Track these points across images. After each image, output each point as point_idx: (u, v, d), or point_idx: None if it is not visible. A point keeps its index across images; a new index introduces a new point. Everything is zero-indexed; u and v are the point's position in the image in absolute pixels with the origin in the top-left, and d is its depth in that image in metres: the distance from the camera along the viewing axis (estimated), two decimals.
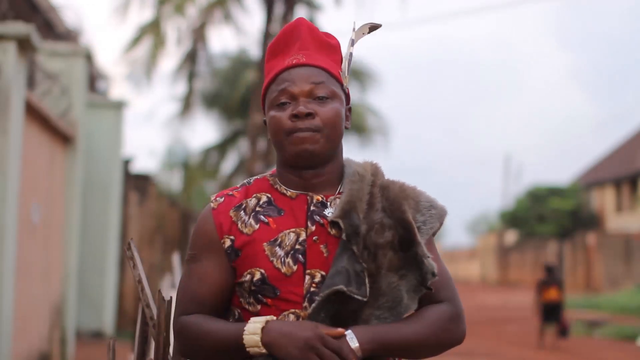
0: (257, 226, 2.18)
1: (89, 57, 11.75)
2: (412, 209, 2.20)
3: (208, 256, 2.19)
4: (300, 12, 20.72)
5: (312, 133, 2.15)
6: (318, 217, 2.17)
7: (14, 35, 7.66)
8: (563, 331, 15.08)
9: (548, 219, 38.61)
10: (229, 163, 27.11)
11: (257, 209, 2.20)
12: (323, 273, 2.13)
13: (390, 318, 2.13)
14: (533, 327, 17.89)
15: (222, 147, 26.82)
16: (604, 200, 38.43)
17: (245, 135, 24.49)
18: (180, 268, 4.61)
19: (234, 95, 24.73)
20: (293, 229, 2.16)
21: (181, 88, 21.08)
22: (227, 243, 2.18)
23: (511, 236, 44.08)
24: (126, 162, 15.23)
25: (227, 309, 2.22)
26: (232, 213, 2.21)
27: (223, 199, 2.24)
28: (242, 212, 2.20)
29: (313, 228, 2.16)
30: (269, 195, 2.22)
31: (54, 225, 10.59)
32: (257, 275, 2.14)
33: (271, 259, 2.14)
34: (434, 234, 2.25)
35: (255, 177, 2.29)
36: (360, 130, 25.38)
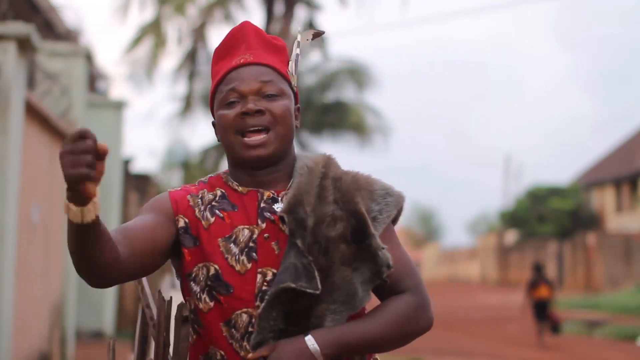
0: (212, 219, 2.16)
1: (89, 57, 11.76)
2: (366, 199, 2.16)
3: (152, 214, 2.16)
4: (300, 12, 20.73)
5: (264, 136, 2.13)
6: (269, 214, 2.14)
7: (14, 35, 7.67)
8: (554, 327, 15.64)
9: (548, 219, 38.62)
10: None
11: (213, 202, 2.18)
12: (275, 271, 2.10)
13: (345, 312, 2.09)
14: (533, 327, 17.93)
15: (222, 147, 26.82)
16: (604, 200, 38.45)
17: None
18: None
19: None
20: (247, 226, 2.14)
21: (181, 88, 21.08)
22: (181, 223, 2.16)
23: (511, 236, 44.09)
24: (126, 162, 15.24)
25: (141, 263, 2.12)
26: (189, 197, 2.19)
27: (180, 188, 2.24)
28: (199, 201, 2.18)
29: (264, 225, 2.13)
30: (223, 190, 2.20)
31: (54, 225, 10.59)
32: (212, 271, 2.12)
33: (226, 255, 2.12)
34: (393, 222, 2.22)
35: (211, 175, 2.28)
36: (360, 130, 25.38)
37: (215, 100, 2.20)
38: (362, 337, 2.09)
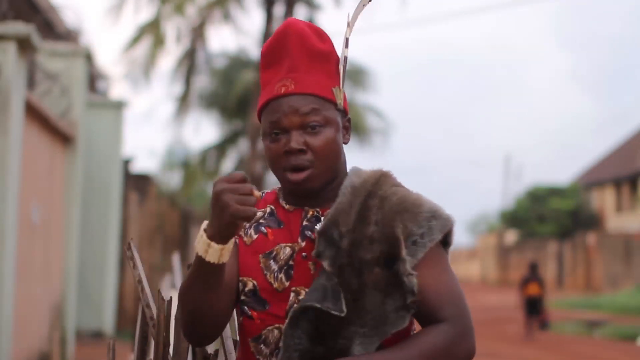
0: (255, 236, 2.16)
1: (89, 57, 11.75)
2: (407, 222, 2.10)
3: None
4: (300, 12, 20.71)
5: (306, 172, 2.11)
6: (309, 233, 2.13)
7: (14, 35, 7.67)
8: (543, 324, 16.73)
9: (548, 219, 38.62)
10: (229, 163, 27.11)
11: (261, 220, 2.18)
12: (307, 290, 2.10)
13: (375, 337, 2.05)
14: (542, 334, 17.98)
15: (222, 147, 26.81)
16: (604, 200, 38.45)
17: (245, 135, 24.50)
18: (181, 268, 4.61)
19: (232, 95, 24.73)
20: (289, 244, 2.14)
21: (180, 87, 21.07)
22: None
23: (511, 236, 44.08)
24: (126, 162, 15.24)
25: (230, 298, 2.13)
26: None
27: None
28: (246, 223, 2.18)
29: (303, 244, 2.13)
30: (273, 208, 2.20)
31: (54, 225, 10.59)
32: (249, 286, 2.13)
33: (265, 272, 2.12)
34: (445, 245, 2.14)
35: (267, 190, 2.27)
36: (360, 130, 25.37)
37: (262, 121, 2.17)
38: None
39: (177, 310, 2.13)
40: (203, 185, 30.55)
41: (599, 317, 20.39)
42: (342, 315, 2.03)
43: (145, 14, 28.68)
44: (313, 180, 2.11)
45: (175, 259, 4.75)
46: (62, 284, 11.05)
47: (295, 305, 2.08)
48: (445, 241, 2.15)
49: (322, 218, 2.13)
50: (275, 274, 2.11)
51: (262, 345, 2.10)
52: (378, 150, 25.62)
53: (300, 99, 2.12)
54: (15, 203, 7.92)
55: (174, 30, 18.79)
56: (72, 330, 11.21)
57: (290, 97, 2.12)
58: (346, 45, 2.22)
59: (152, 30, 18.28)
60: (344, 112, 2.20)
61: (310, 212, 2.15)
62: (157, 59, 18.46)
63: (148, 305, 2.32)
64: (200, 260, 1.95)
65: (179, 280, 4.61)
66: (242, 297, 2.12)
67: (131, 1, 18.13)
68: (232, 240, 1.94)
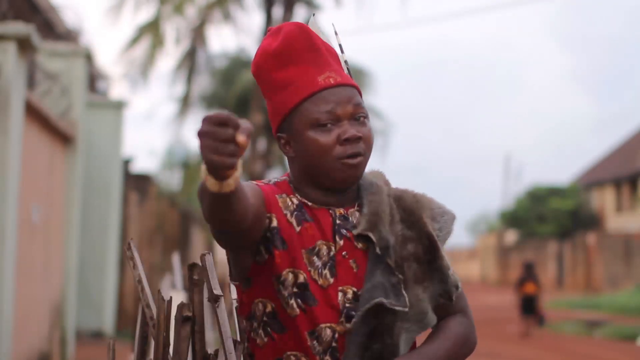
0: (298, 228, 2.12)
1: (89, 57, 11.76)
2: (429, 219, 2.18)
3: (251, 195, 2.02)
4: (300, 12, 20.72)
5: (358, 159, 2.11)
6: (344, 231, 2.13)
7: (14, 35, 7.67)
8: (540, 321, 17.50)
9: (548, 219, 38.63)
10: None
11: (296, 211, 2.14)
12: (354, 289, 2.10)
13: (416, 331, 2.12)
14: (539, 330, 18.04)
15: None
16: (604, 200, 38.45)
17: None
18: (181, 268, 4.61)
19: (232, 95, 24.74)
20: (325, 241, 2.12)
21: (180, 88, 21.08)
22: (274, 222, 2.10)
23: (511, 236, 44.09)
24: (126, 162, 15.24)
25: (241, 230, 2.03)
26: (278, 198, 2.14)
27: (261, 183, 2.16)
28: (283, 203, 2.13)
29: (341, 243, 2.12)
30: (298, 200, 2.16)
31: (54, 225, 10.59)
32: (301, 279, 2.10)
33: (309, 267, 2.10)
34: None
35: (275, 179, 2.21)
36: None
37: (297, 117, 2.12)
38: None
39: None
40: None
41: (599, 317, 20.39)
42: (406, 310, 2.08)
43: (145, 14, 28.68)
44: (361, 167, 2.13)
45: (175, 259, 4.75)
46: (62, 284, 11.05)
47: (347, 304, 2.09)
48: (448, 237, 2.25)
49: (350, 217, 2.15)
50: (320, 271, 2.10)
51: (315, 342, 2.10)
52: (378, 150, 25.61)
53: (349, 90, 2.14)
54: (15, 203, 7.92)
55: (173, 30, 18.79)
56: (72, 330, 11.21)
57: (340, 88, 2.13)
58: (342, 51, 2.26)
59: (152, 30, 18.28)
60: None
61: (338, 212, 2.15)
62: (157, 59, 18.46)
63: (148, 305, 2.32)
64: (213, 195, 1.84)
65: (179, 280, 4.61)
66: (295, 290, 2.09)
67: (131, 1, 18.13)
68: (234, 176, 1.79)
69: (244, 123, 1.74)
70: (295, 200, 2.16)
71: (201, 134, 1.73)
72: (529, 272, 17.67)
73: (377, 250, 2.10)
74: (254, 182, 2.15)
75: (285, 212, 2.12)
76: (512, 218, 41.43)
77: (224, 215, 1.92)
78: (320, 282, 2.10)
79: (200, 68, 20.87)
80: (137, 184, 16.23)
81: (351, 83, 2.15)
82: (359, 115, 2.13)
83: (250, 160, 18.63)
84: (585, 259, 33.85)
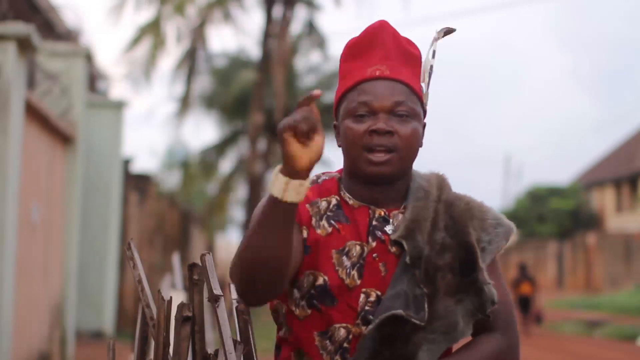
0: (329, 229, 2.11)
1: (89, 57, 11.75)
2: (477, 229, 2.12)
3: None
4: (300, 12, 20.73)
5: (389, 155, 2.07)
6: (379, 233, 2.10)
7: (14, 35, 7.66)
8: (538, 319, 17.99)
9: (548, 219, 38.62)
10: (229, 163, 27.12)
11: (329, 212, 2.13)
12: (378, 293, 2.07)
13: (443, 343, 2.06)
14: (537, 328, 18.08)
15: (222, 147, 26.82)
16: (604, 200, 38.45)
17: (245, 135, 24.48)
18: (181, 268, 4.61)
19: (232, 95, 24.73)
20: (358, 242, 2.10)
21: (180, 88, 21.08)
22: (304, 234, 2.11)
23: (511, 236, 44.04)
24: (126, 162, 15.23)
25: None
26: (308, 207, 2.13)
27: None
28: (316, 210, 2.13)
29: (374, 244, 2.10)
30: (338, 199, 2.14)
31: (54, 225, 10.59)
32: (320, 281, 2.08)
33: (337, 267, 2.08)
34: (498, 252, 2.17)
35: (323, 176, 2.20)
36: None
37: (343, 106, 2.13)
38: None
39: (233, 269, 2.01)
40: (203, 185, 30.55)
41: (598, 317, 20.39)
42: (422, 324, 2.03)
43: (146, 14, 28.66)
44: (392, 165, 2.08)
45: (175, 259, 4.75)
46: (62, 284, 11.05)
47: (367, 306, 2.06)
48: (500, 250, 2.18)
49: (391, 220, 2.11)
50: (348, 271, 2.08)
51: (327, 341, 2.08)
52: None
53: (395, 85, 2.11)
54: (15, 203, 7.92)
55: (174, 30, 18.79)
56: (72, 330, 11.21)
57: (385, 81, 2.11)
58: (433, 56, 2.22)
59: (153, 30, 18.28)
60: (424, 115, 2.19)
61: (378, 212, 2.12)
62: (158, 59, 18.46)
63: (148, 305, 2.32)
64: (275, 202, 1.84)
65: (179, 280, 4.61)
66: (312, 291, 2.08)
67: (131, 1, 18.14)
68: (308, 178, 1.84)
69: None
70: (334, 201, 2.15)
71: (285, 125, 1.79)
72: (524, 273, 18.25)
73: (407, 259, 2.06)
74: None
75: (313, 218, 2.11)
76: (512, 218, 41.20)
77: (281, 243, 1.90)
78: (347, 281, 2.08)
79: (200, 68, 20.88)
80: (137, 184, 16.23)
81: (401, 79, 2.12)
82: (399, 111, 2.09)
83: (250, 160, 18.63)
84: (585, 259, 33.85)
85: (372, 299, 2.07)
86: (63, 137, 10.83)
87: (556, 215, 38.28)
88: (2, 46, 7.64)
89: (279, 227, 1.89)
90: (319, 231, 2.11)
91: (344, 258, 2.09)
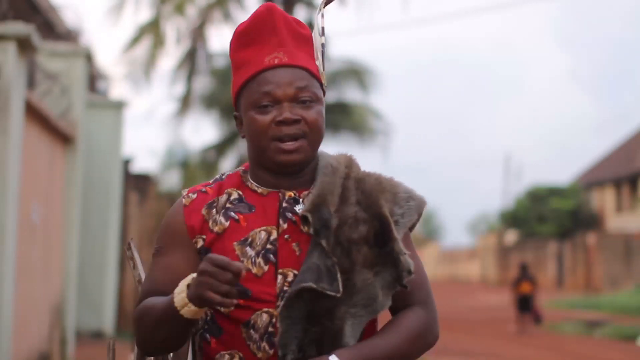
0: (227, 224, 2.12)
1: (89, 57, 11.75)
2: (389, 202, 2.12)
3: (175, 250, 2.13)
4: (300, 12, 20.72)
5: (299, 142, 2.09)
6: (290, 214, 2.11)
7: (14, 35, 7.66)
8: (537, 319, 18.03)
9: (548, 219, 38.61)
10: (229, 163, 27.12)
11: (228, 205, 2.14)
12: (295, 272, 2.07)
13: (365, 316, 2.07)
14: (535, 328, 18.06)
15: (222, 147, 26.81)
16: (604, 200, 38.44)
17: None
18: None
19: (230, 95, 24.75)
20: (264, 227, 2.10)
21: (180, 88, 21.08)
22: (200, 243, 2.13)
23: (511, 236, 44.07)
24: (126, 162, 15.23)
25: None
26: (204, 211, 2.14)
27: (196, 195, 2.17)
28: (213, 210, 2.14)
29: (285, 226, 2.10)
30: (240, 192, 2.15)
31: (54, 225, 10.59)
32: None
33: (242, 259, 2.08)
34: (412, 227, 2.18)
35: (228, 172, 2.22)
36: (361, 130, 25.36)
37: (244, 97, 2.14)
38: (385, 355, 2.07)
39: (133, 321, 2.15)
40: None
41: (599, 317, 20.38)
42: (338, 295, 2.03)
43: (145, 14, 28.64)
44: (304, 151, 2.09)
45: None
46: (62, 284, 11.05)
47: (285, 287, 2.07)
48: (413, 224, 2.18)
49: (301, 200, 2.12)
50: (253, 260, 2.09)
51: (251, 331, 2.08)
52: (380, 150, 25.60)
53: (295, 71, 2.11)
54: (15, 203, 7.92)
55: (174, 30, 18.80)
56: (72, 330, 11.21)
57: (285, 69, 2.11)
58: (322, 33, 2.20)
59: (153, 30, 18.29)
60: (324, 94, 2.20)
61: (288, 194, 2.13)
62: (158, 59, 18.47)
63: None
64: (173, 311, 1.99)
65: None
66: None
67: (131, 1, 18.14)
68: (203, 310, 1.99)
69: (243, 268, 1.91)
70: (235, 194, 2.16)
71: (203, 273, 1.91)
72: (524, 273, 18.43)
73: (310, 230, 2.06)
74: (183, 205, 2.18)
75: (209, 221, 2.14)
76: (512, 218, 41.41)
77: (175, 337, 2.05)
78: (254, 271, 2.08)
79: (200, 68, 20.87)
80: (137, 184, 16.23)
81: (300, 64, 2.12)
82: (302, 98, 2.10)
83: (245, 160, 18.63)
84: (585, 259, 33.84)
85: (289, 279, 2.07)
86: (63, 137, 10.83)
87: (556, 215, 38.27)
88: (2, 46, 7.64)
89: (174, 331, 2.04)
90: (215, 229, 2.12)
91: (247, 249, 2.09)
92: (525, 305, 17.89)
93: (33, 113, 9.06)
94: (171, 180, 30.73)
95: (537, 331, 17.78)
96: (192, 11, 18.80)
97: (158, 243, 2.18)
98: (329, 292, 2.02)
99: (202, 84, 24.49)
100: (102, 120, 13.34)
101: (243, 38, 2.15)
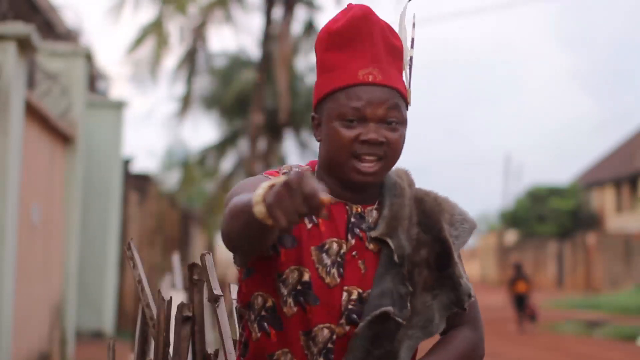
0: (309, 225, 2.07)
1: (89, 57, 11.75)
2: (447, 224, 2.12)
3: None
4: (300, 12, 20.72)
5: (378, 165, 2.04)
6: (357, 230, 2.08)
7: (14, 35, 7.67)
8: (532, 317, 18.24)
9: (548, 219, 38.62)
10: (229, 163, 27.12)
11: None
12: (360, 291, 2.05)
13: (422, 337, 2.08)
14: (532, 327, 18.07)
15: (222, 147, 26.82)
16: (604, 200, 38.44)
17: (245, 135, 24.48)
18: (180, 268, 4.61)
19: (232, 95, 24.73)
20: (336, 239, 2.06)
21: (180, 88, 21.09)
22: None
23: (511, 236, 44.08)
24: (126, 162, 15.24)
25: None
26: None
27: (269, 176, 2.09)
28: None
29: (353, 242, 2.07)
30: None
31: (54, 225, 10.59)
32: (305, 277, 2.05)
33: (317, 265, 2.05)
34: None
35: (294, 168, 2.14)
36: None
37: (329, 104, 2.07)
38: None
39: (221, 225, 1.99)
40: (202, 185, 30.54)
41: (599, 317, 20.39)
42: (403, 323, 2.03)
43: (146, 14, 28.69)
44: (379, 175, 2.06)
45: (175, 258, 4.74)
46: (62, 284, 11.05)
47: (350, 305, 2.04)
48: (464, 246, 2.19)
49: (366, 216, 2.09)
50: (328, 269, 2.05)
51: (310, 342, 2.05)
52: None
53: (386, 91, 2.06)
54: (15, 203, 7.92)
55: (176, 30, 18.81)
56: (72, 330, 11.21)
57: (377, 88, 2.05)
58: (412, 46, 2.16)
59: (156, 30, 18.29)
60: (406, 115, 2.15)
61: (355, 209, 2.10)
62: (162, 58, 18.47)
63: (148, 305, 2.32)
64: (250, 201, 1.78)
65: (179, 280, 4.61)
66: (298, 287, 2.04)
67: (131, 1, 18.14)
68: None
69: (326, 207, 1.70)
70: None
71: (286, 184, 1.68)
72: (519, 272, 18.68)
73: (395, 258, 2.05)
74: (275, 173, 2.10)
75: None
76: (512, 218, 41.41)
77: (256, 241, 1.89)
78: (327, 280, 2.04)
79: (200, 68, 20.88)
80: (137, 184, 16.24)
81: (392, 84, 2.06)
82: (390, 119, 2.05)
83: (250, 160, 18.61)
84: (585, 259, 33.85)
85: (354, 297, 2.05)
86: (63, 137, 10.83)
87: (556, 215, 38.28)
88: (2, 46, 7.64)
89: (267, 235, 1.86)
90: (305, 223, 2.06)
91: (324, 255, 2.05)
92: (522, 304, 18.16)
93: (33, 113, 9.06)
94: (171, 180, 30.74)
95: (537, 331, 17.82)
96: (193, 11, 18.80)
97: (233, 193, 2.03)
98: (398, 319, 2.03)
99: (202, 84, 24.51)
100: (102, 120, 13.35)
101: (335, 39, 2.08)
